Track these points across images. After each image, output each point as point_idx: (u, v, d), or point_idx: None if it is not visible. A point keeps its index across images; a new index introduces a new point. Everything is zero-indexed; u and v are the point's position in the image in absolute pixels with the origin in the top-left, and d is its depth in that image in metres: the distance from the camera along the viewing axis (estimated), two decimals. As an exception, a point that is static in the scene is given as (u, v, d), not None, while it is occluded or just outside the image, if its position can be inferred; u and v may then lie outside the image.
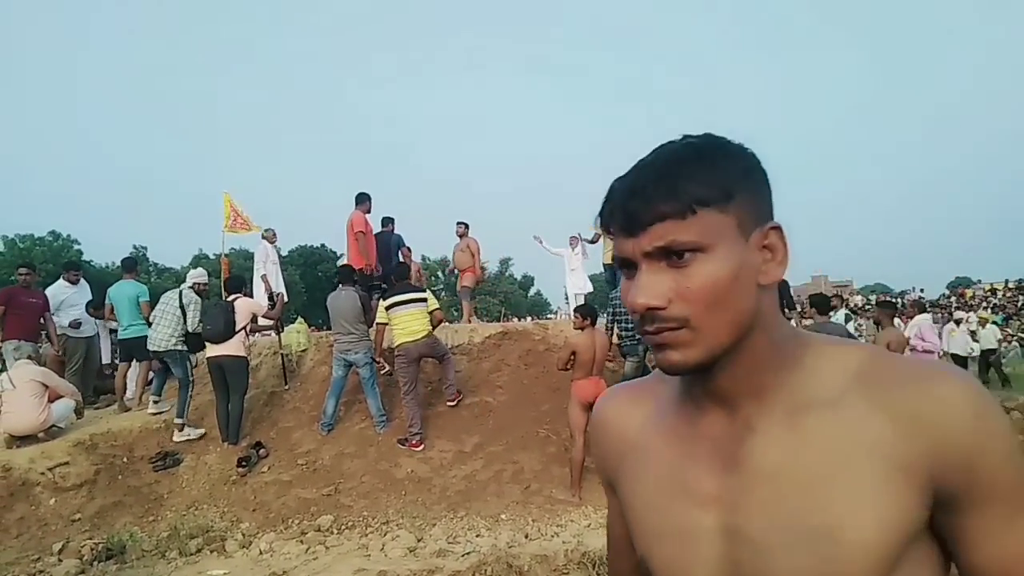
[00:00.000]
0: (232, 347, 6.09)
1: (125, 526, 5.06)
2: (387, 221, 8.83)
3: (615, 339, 6.20)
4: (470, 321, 9.07)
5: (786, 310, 6.04)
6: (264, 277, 8.66)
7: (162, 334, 6.24)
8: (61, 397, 6.07)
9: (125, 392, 6.99)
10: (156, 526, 5.19)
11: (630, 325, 6.12)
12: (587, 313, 5.74)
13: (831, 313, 6.29)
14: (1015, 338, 20.44)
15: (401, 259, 8.59)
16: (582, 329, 5.57)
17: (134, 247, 40.55)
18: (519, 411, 6.39)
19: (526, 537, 4.73)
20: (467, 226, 9.51)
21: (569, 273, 10.20)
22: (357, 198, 8.00)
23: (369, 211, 8.01)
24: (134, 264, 7.37)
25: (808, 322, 6.20)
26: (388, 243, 8.59)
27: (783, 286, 6.22)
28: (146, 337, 6.53)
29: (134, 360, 6.94)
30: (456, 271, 9.81)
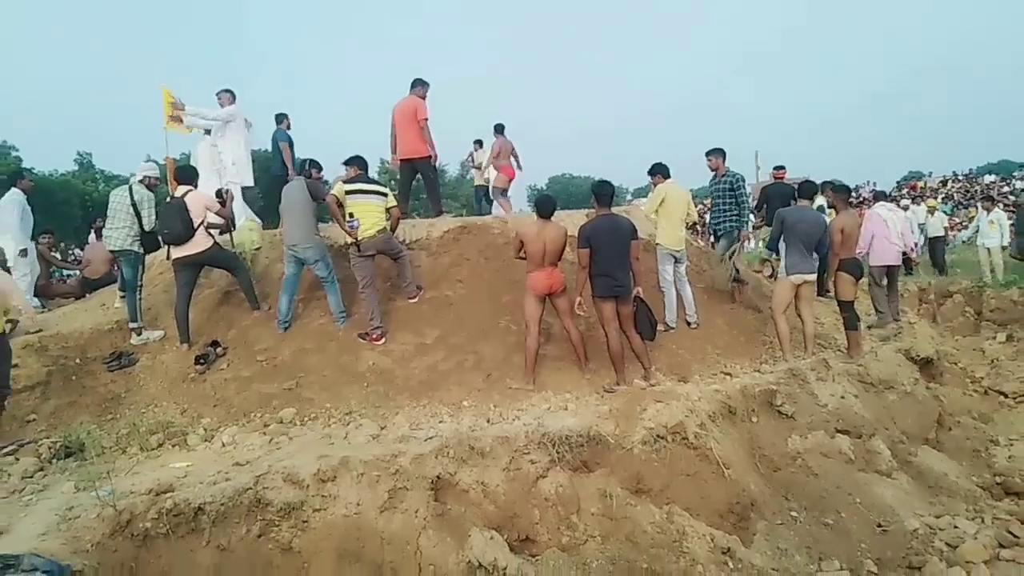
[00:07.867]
0: (199, 244, 5.93)
1: (82, 425, 5.01)
2: (281, 118, 8.52)
3: None
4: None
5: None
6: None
7: (118, 233, 6.02)
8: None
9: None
10: (115, 424, 5.14)
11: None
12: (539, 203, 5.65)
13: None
14: (961, 226, 21.31)
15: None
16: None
17: (78, 153, 37.97)
18: (479, 304, 6.40)
19: (488, 421, 4.84)
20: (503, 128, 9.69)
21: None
22: (415, 83, 7.57)
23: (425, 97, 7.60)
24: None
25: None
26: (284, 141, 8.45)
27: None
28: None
29: None
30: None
